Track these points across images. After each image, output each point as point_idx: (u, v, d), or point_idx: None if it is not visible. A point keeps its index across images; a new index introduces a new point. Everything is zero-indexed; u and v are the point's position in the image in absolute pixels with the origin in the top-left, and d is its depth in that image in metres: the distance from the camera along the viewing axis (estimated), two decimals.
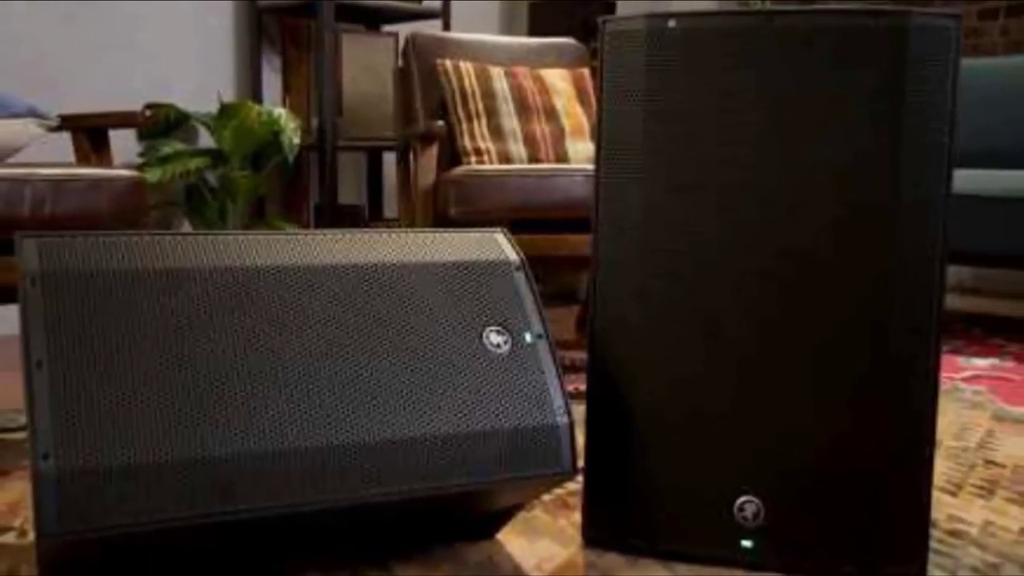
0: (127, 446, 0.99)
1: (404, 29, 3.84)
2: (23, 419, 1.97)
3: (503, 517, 1.34)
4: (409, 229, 1.26)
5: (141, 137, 3.19)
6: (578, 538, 1.35)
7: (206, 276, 1.10)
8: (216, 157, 3.13)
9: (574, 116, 2.82)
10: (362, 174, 3.79)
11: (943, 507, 1.50)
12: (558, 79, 2.87)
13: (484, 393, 1.16)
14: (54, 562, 1.06)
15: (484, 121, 2.71)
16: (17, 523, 1.40)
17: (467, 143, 2.68)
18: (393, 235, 1.24)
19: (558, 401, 1.19)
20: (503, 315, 1.21)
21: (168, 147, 3.11)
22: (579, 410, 1.32)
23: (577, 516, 1.44)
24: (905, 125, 1.18)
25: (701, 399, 1.25)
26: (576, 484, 1.56)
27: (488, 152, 2.67)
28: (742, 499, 1.25)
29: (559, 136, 2.76)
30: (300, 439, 1.06)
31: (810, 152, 1.20)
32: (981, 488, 1.60)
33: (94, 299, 1.04)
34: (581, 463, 1.25)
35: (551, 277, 3.92)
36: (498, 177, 2.32)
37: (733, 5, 4.46)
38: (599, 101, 1.29)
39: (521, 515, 1.44)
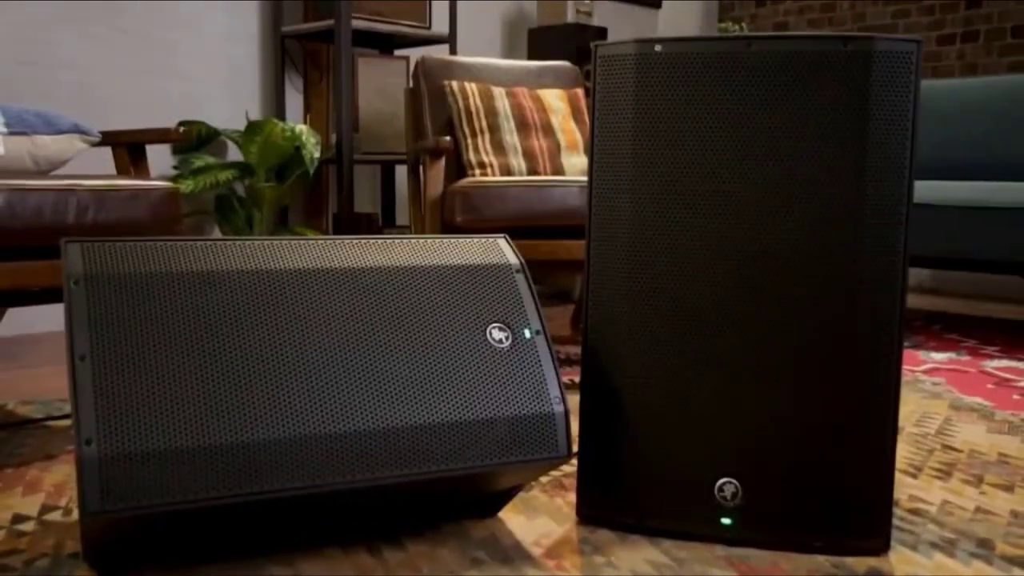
0: (163, 432, 0.99)
1: (415, 53, 3.85)
2: (68, 408, 1.97)
3: (505, 497, 1.34)
4: (419, 235, 1.26)
5: (175, 152, 3.19)
6: (573, 516, 1.35)
7: (235, 278, 1.10)
8: (244, 170, 3.13)
9: (569, 132, 2.81)
10: (376, 185, 3.79)
11: (905, 488, 1.50)
12: (554, 98, 2.87)
13: (487, 384, 1.16)
14: (96, 538, 1.06)
15: (487, 137, 2.71)
16: (63, 502, 1.40)
17: (472, 157, 2.68)
18: (405, 241, 1.24)
19: (555, 391, 1.19)
20: (504, 313, 1.21)
21: (200, 161, 3.11)
22: (574, 400, 1.33)
23: (572, 496, 1.43)
24: (870, 140, 1.18)
25: (684, 390, 1.25)
26: (571, 467, 1.56)
27: (491, 165, 2.67)
28: (722, 480, 1.25)
29: (556, 150, 2.76)
30: (320, 426, 1.06)
31: (784, 165, 1.20)
32: (940, 471, 1.60)
33: (132, 299, 1.05)
34: (576, 448, 1.25)
35: (548, 279, 3.92)
36: (500, 188, 2.31)
37: (714, 32, 4.47)
38: (592, 118, 1.29)
39: (521, 495, 1.44)
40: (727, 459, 1.24)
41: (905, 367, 2.49)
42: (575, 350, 2.65)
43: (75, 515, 1.35)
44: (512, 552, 1.22)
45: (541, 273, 3.31)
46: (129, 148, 2.11)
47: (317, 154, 3.11)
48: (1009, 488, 1.51)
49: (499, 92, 2.79)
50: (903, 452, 1.70)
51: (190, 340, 1.04)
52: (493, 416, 1.14)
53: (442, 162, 2.46)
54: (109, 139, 2.08)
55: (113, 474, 0.96)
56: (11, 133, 1.85)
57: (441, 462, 1.11)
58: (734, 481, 1.25)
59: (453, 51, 3.57)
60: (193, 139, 3.16)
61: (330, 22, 3.19)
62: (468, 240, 1.27)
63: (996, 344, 2.85)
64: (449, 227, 2.34)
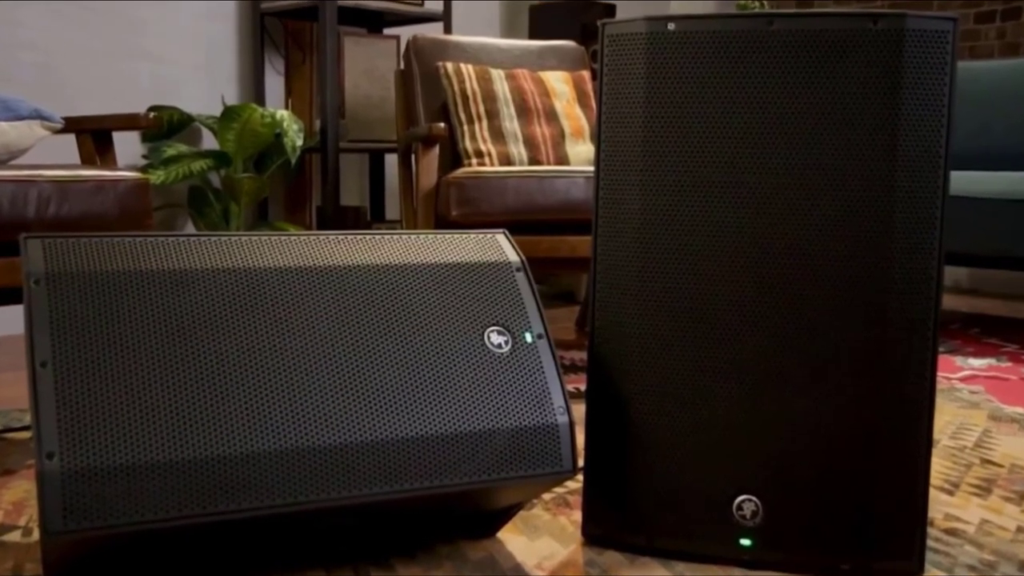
0: (132, 445, 0.99)
1: (406, 32, 3.85)
2: (28, 419, 1.97)
3: (504, 516, 1.34)
4: (411, 231, 1.26)
5: (145, 140, 3.19)
6: (578, 536, 1.35)
7: (210, 277, 1.11)
8: (219, 159, 3.13)
9: (574, 118, 2.82)
10: (364, 176, 3.79)
11: (940, 506, 1.50)
12: (558, 81, 2.87)
13: (485, 393, 1.16)
14: (59, 560, 1.06)
15: (485, 123, 2.71)
16: (22, 521, 1.40)
17: (468, 145, 2.68)
18: (395, 237, 1.24)
19: (558, 401, 1.19)
20: (504, 315, 1.22)
21: (172, 149, 3.11)
22: (579, 409, 1.33)
23: (577, 514, 1.44)
24: (902, 127, 1.18)
25: (699, 399, 1.25)
26: (576, 483, 1.56)
27: (489, 154, 2.67)
28: (740, 498, 1.25)
29: (559, 138, 2.76)
30: (303, 438, 1.06)
31: (808, 153, 1.20)
32: (978, 487, 1.60)
33: (98, 300, 1.05)
34: (581, 462, 1.25)
35: (551, 278, 3.92)
36: (499, 179, 2.32)
37: (732, 8, 4.47)
38: (599, 103, 1.29)
39: (522, 513, 1.44)
40: (746, 475, 1.24)
41: (940, 374, 2.49)
42: (580, 355, 2.65)
43: (35, 535, 1.35)
44: (512, 575, 1.23)
45: (543, 272, 3.31)
46: (95, 135, 2.11)
47: (300, 142, 3.11)
48: None
49: (498, 75, 2.79)
50: (938, 467, 1.70)
51: (162, 345, 1.05)
52: (491, 427, 1.14)
53: (436, 151, 2.46)
54: (73, 125, 2.08)
55: (77, 491, 0.96)
56: None
57: (435, 478, 1.11)
58: (754, 498, 1.25)
59: (448, 30, 3.57)
60: (164, 126, 3.16)
61: None
62: (464, 236, 1.27)
63: None
64: (443, 222, 2.34)
